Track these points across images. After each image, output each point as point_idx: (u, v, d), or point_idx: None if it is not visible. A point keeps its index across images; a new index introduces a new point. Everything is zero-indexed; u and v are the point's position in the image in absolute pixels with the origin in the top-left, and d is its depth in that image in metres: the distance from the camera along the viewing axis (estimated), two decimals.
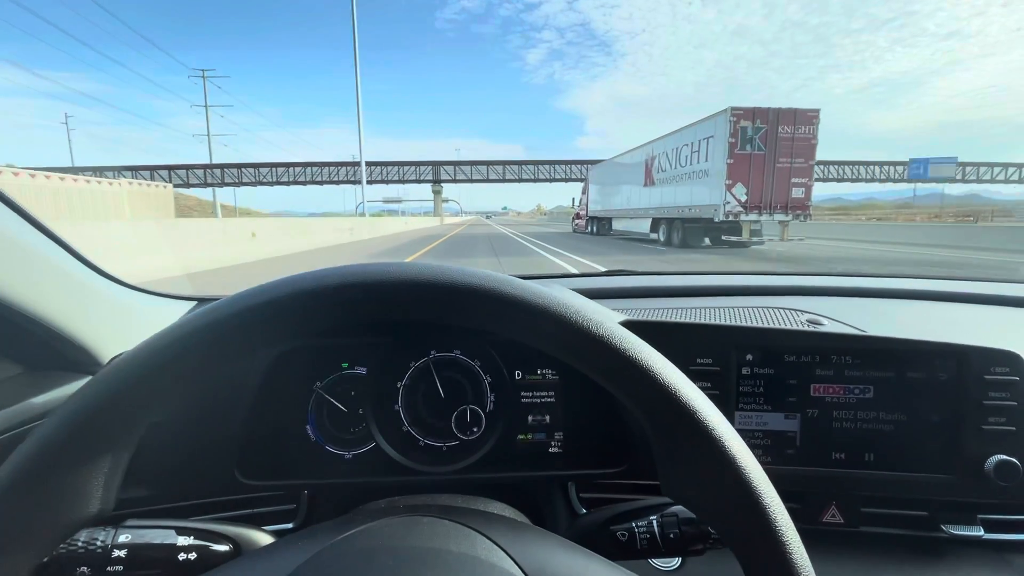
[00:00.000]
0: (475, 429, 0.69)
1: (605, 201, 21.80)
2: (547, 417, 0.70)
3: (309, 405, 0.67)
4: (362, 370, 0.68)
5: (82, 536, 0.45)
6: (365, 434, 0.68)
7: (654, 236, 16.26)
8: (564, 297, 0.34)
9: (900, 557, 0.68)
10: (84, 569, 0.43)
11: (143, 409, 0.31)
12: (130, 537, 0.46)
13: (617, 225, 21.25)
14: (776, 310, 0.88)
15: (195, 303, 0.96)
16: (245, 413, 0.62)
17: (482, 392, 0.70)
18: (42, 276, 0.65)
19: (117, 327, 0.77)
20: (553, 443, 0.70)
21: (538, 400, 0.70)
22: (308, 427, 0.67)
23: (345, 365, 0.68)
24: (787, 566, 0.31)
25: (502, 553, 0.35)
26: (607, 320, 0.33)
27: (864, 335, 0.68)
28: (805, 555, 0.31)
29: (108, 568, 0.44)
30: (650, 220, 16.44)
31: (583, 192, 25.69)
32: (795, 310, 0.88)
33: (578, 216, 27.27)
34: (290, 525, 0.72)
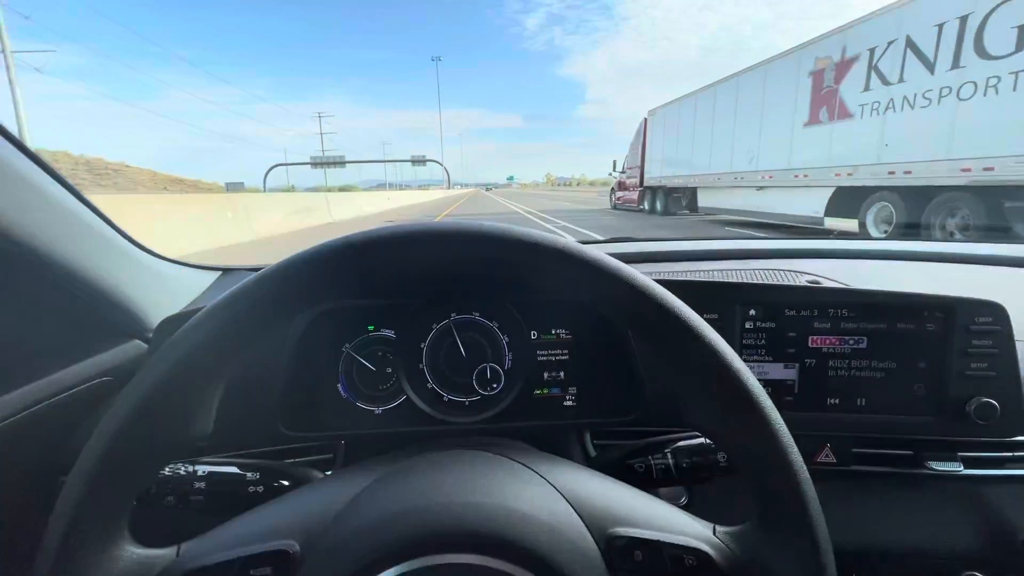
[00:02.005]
0: (495, 385, 0.76)
1: (687, 160, 13.40)
2: (561, 373, 0.77)
3: (339, 365, 0.74)
4: (389, 332, 0.75)
5: (167, 471, 0.52)
6: (392, 391, 0.74)
7: (839, 223, 8.11)
8: (622, 265, 0.37)
9: (887, 492, 0.75)
10: (171, 498, 0.52)
11: (235, 348, 0.36)
12: (206, 472, 0.54)
13: (711, 200, 12.91)
14: (777, 271, 0.95)
15: (220, 272, 1.05)
16: (285, 373, 0.69)
17: (500, 351, 0.76)
18: (93, 246, 0.69)
19: (157, 294, 0.82)
20: (568, 397, 0.77)
21: (553, 358, 0.77)
22: (339, 386, 0.74)
23: (371, 328, 0.75)
24: (794, 487, 0.36)
25: (539, 477, 0.43)
26: (647, 279, 0.37)
27: (860, 289, 0.72)
28: (809, 480, 0.36)
29: (191, 497, 0.53)
30: (821, 192, 8.31)
31: (635, 151, 17.33)
32: (795, 271, 0.95)
33: (622, 186, 19.02)
34: (328, 473, 0.70)
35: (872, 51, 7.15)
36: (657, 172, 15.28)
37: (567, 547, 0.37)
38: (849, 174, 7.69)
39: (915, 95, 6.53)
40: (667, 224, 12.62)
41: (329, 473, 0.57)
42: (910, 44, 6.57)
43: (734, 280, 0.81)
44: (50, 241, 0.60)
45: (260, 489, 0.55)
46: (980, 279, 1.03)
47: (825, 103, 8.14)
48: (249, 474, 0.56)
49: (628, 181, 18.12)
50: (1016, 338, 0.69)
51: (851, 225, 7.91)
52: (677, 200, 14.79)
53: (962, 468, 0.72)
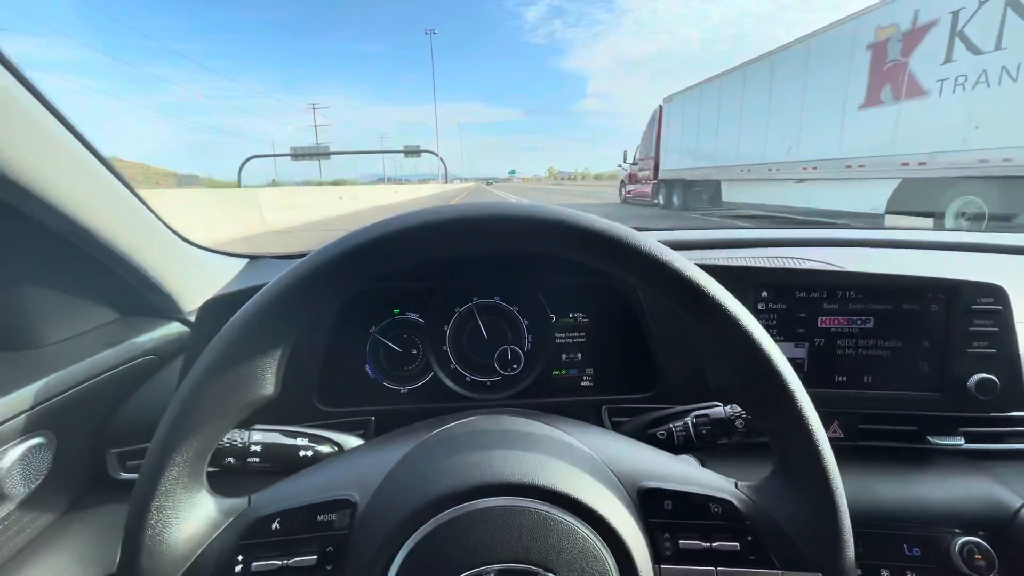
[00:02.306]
0: (515, 366, 0.81)
1: (709, 150, 12.17)
2: (579, 355, 0.82)
3: (367, 347, 0.80)
4: (414, 315, 0.80)
5: (225, 440, 0.54)
6: (417, 372, 0.81)
7: (905, 220, 6.93)
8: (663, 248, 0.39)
9: (892, 466, 0.76)
10: (230, 460, 0.54)
11: (300, 312, 0.38)
12: (260, 437, 0.56)
13: (738, 194, 11.71)
14: (786, 259, 1.00)
15: (247, 259, 1.10)
16: (319, 354, 0.75)
17: (521, 334, 0.82)
18: (141, 233, 0.73)
19: (194, 279, 0.87)
20: (585, 378, 0.83)
21: (571, 340, 0.82)
22: (367, 366, 0.80)
23: (397, 311, 0.80)
24: (811, 441, 0.38)
25: (571, 437, 0.46)
26: (683, 258, 0.40)
27: (867, 272, 0.75)
28: (825, 435, 0.39)
29: (248, 459, 0.55)
30: (881, 185, 7.15)
31: (648, 141, 16.15)
32: (803, 259, 0.99)
33: (632, 179, 17.85)
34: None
35: (956, 14, 5.95)
36: (674, 164, 14.09)
37: (604, 494, 0.40)
38: (922, 163, 6.50)
39: (1020, 64, 5.35)
40: (674, 217, 11.52)
41: (381, 436, 0.55)
42: (1013, 2, 5.37)
43: (748, 264, 0.82)
44: (105, 227, 0.66)
45: (309, 453, 0.58)
46: (983, 265, 1.09)
47: (889, 80, 6.95)
48: (299, 440, 0.59)
49: (640, 174, 16.93)
50: (1017, 320, 0.72)
51: (921, 223, 6.75)
52: (697, 194, 13.62)
53: (963, 442, 0.76)
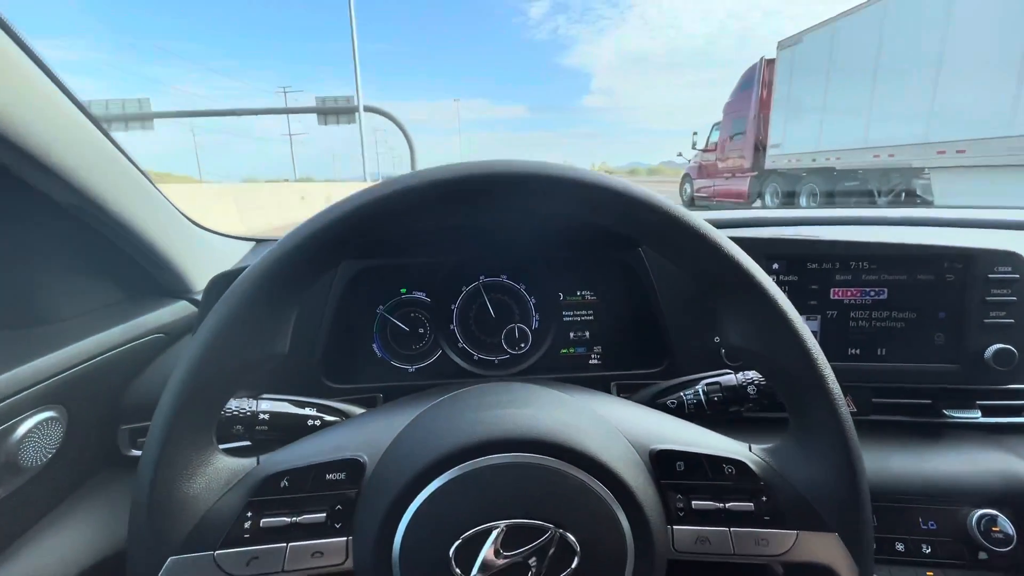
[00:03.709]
0: (523, 345, 0.81)
1: (891, 118, 7.01)
2: (587, 333, 0.81)
3: (374, 326, 0.79)
4: (421, 294, 0.80)
5: (233, 404, 0.55)
6: (425, 351, 0.80)
7: None
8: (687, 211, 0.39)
9: (907, 440, 0.73)
10: (239, 427, 0.55)
11: (310, 270, 0.38)
12: (268, 406, 0.57)
13: (956, 187, 6.49)
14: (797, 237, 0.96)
15: (254, 243, 1.10)
16: (325, 331, 0.74)
17: (528, 312, 0.81)
18: (151, 213, 0.74)
19: (202, 260, 0.88)
20: (593, 356, 0.82)
21: (578, 318, 0.81)
22: (374, 345, 0.80)
23: (404, 290, 0.80)
24: (828, 401, 0.37)
25: (582, 403, 0.45)
26: (708, 224, 0.39)
27: (880, 242, 0.72)
28: (842, 397, 0.38)
29: (256, 427, 0.56)
30: None
31: (737, 114, 11.04)
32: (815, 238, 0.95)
33: (705, 171, 12.78)
34: None
35: None
36: (799, 144, 8.99)
37: (617, 454, 0.40)
38: None
39: None
40: None
41: (390, 403, 0.54)
42: None
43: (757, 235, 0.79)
44: (114, 205, 0.66)
45: (317, 423, 0.58)
46: (991, 237, 0.97)
47: None
48: (306, 410, 0.59)
49: (724, 163, 11.82)
50: None
51: None
52: (854, 188, 8.45)
53: (980, 416, 0.74)
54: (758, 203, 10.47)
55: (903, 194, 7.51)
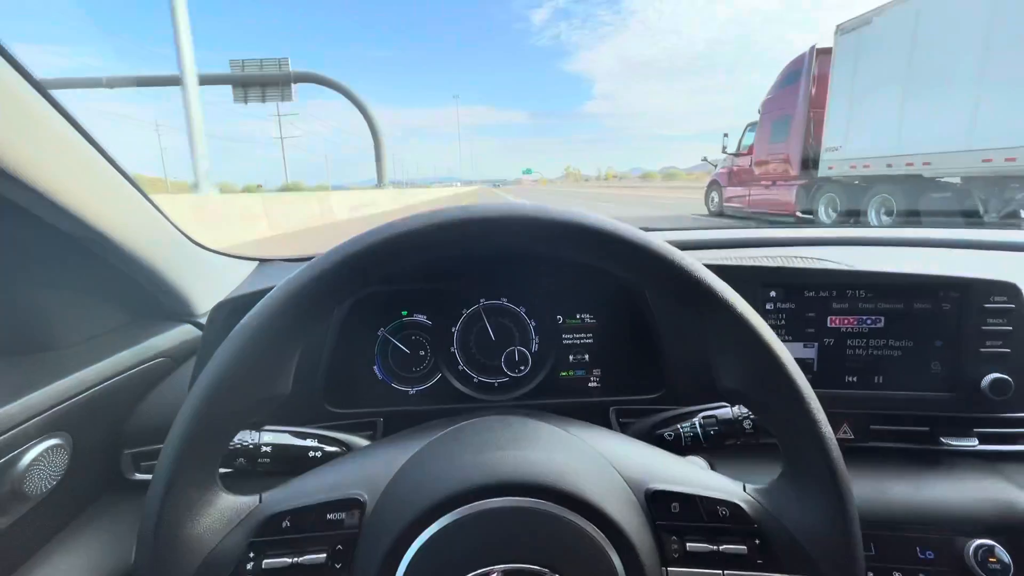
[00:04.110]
0: (522, 368, 0.81)
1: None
2: (586, 356, 0.81)
3: (375, 348, 0.80)
4: (422, 317, 0.80)
5: (236, 440, 0.55)
6: (425, 373, 0.80)
7: None
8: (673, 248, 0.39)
9: (904, 468, 0.73)
10: (241, 460, 0.55)
11: (310, 312, 0.38)
12: (271, 438, 0.57)
13: None
14: (794, 259, 0.94)
15: (257, 262, 1.08)
16: (327, 356, 0.75)
17: (528, 335, 0.81)
18: (152, 235, 0.74)
19: (205, 282, 0.86)
20: (592, 379, 0.82)
21: (578, 341, 0.81)
22: (375, 367, 0.80)
23: (405, 312, 0.80)
24: (820, 444, 0.37)
25: (579, 439, 0.45)
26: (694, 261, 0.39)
27: (877, 271, 0.73)
28: (834, 438, 0.38)
29: (259, 460, 0.56)
30: None
31: (780, 111, 9.49)
32: (812, 258, 0.94)
33: (737, 177, 11.26)
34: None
35: None
36: (867, 148, 7.40)
37: (611, 496, 0.40)
38: None
39: None
40: None
41: (390, 436, 0.56)
42: None
43: (756, 263, 0.80)
44: (117, 230, 0.66)
45: (319, 454, 0.58)
46: (993, 264, 1.03)
47: None
48: (308, 441, 0.59)
49: (762, 169, 10.26)
50: None
51: None
52: (943, 207, 6.79)
53: (977, 444, 0.73)
54: (820, 215, 8.86)
55: (1022, 211, 5.87)
